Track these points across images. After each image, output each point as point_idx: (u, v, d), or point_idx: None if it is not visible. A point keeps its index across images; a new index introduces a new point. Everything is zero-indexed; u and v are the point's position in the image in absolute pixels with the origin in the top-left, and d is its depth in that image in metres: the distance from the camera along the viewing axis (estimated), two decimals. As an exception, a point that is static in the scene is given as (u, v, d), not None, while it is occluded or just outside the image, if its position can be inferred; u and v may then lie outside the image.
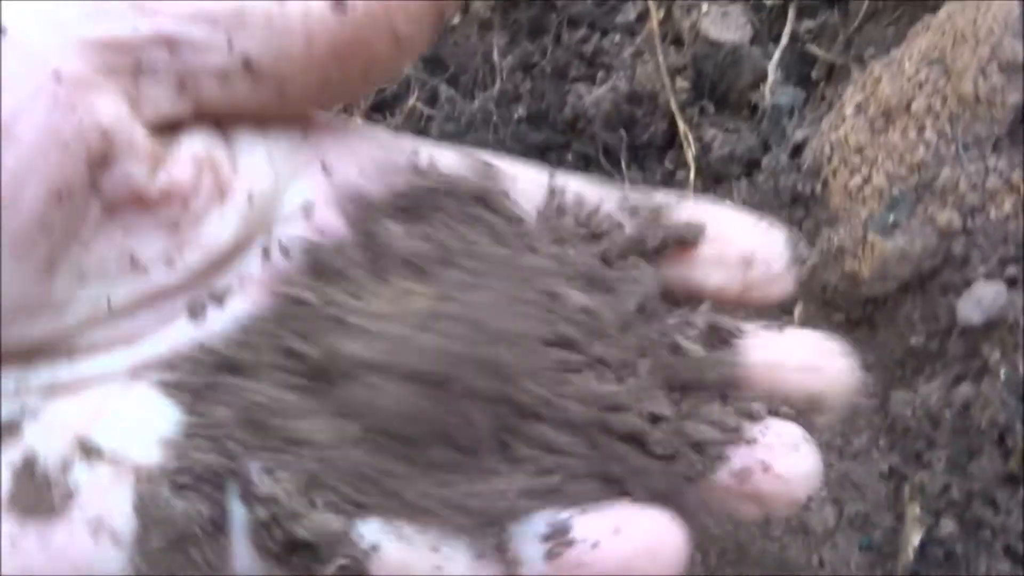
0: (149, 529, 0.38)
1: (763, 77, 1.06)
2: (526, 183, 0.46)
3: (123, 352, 0.41)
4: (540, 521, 0.40)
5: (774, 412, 0.43)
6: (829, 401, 0.42)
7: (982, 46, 0.80)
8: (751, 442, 0.42)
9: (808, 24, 1.07)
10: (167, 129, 0.41)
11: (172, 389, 0.41)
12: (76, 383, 0.40)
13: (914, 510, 0.80)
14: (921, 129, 0.83)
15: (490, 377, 0.40)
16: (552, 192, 0.46)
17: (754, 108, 1.09)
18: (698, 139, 1.12)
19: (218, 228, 0.41)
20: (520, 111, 1.19)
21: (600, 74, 1.18)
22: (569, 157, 1.19)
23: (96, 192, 0.38)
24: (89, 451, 0.39)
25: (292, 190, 0.43)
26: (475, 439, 0.40)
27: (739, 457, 0.41)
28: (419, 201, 0.44)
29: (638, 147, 1.17)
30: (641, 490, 0.41)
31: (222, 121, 0.42)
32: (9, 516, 0.37)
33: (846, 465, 0.86)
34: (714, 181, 1.11)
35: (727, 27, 1.09)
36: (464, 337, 0.40)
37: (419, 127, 1.16)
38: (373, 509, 0.39)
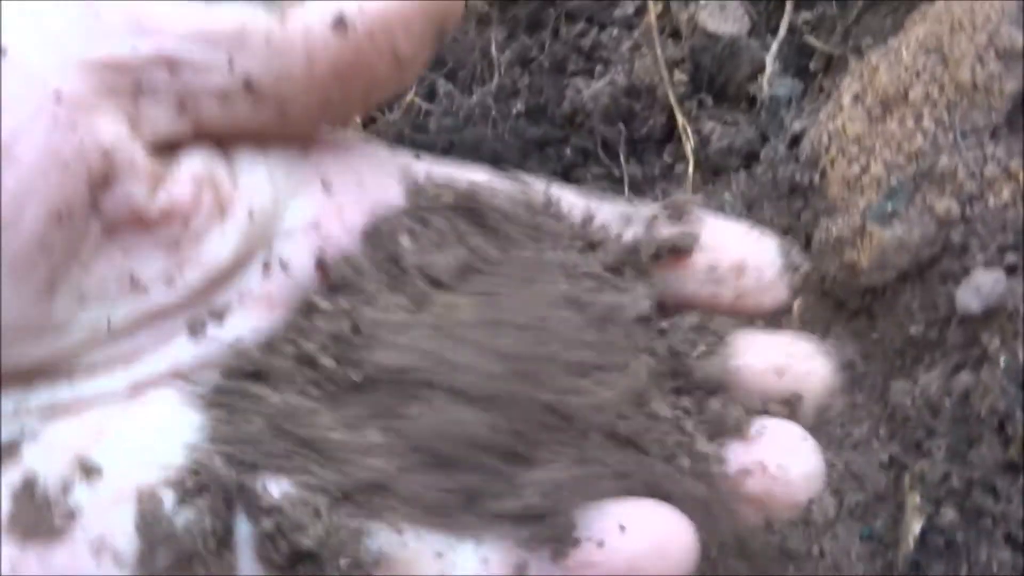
0: (153, 548, 0.38)
1: (761, 69, 1.06)
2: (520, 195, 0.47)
3: (123, 372, 0.41)
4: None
5: (764, 412, 0.43)
6: (805, 402, 0.43)
7: (979, 34, 0.80)
8: (750, 442, 0.42)
9: (806, 15, 1.07)
10: (167, 148, 0.41)
11: (195, 399, 0.41)
12: (76, 404, 0.40)
13: (914, 499, 0.79)
14: (919, 118, 0.82)
15: (529, 386, 0.40)
16: (547, 201, 0.46)
17: (752, 100, 1.09)
18: (696, 132, 1.11)
19: (218, 246, 0.41)
20: (518, 105, 1.19)
21: (598, 68, 1.18)
22: (568, 151, 1.19)
23: (96, 212, 0.38)
24: (89, 471, 0.39)
25: (292, 206, 0.43)
26: (507, 446, 0.40)
27: (738, 457, 0.42)
28: (424, 215, 0.44)
29: (637, 141, 1.17)
30: (647, 489, 0.41)
31: (222, 139, 0.42)
32: (9, 539, 0.37)
33: (846, 455, 0.86)
34: (713, 174, 1.11)
35: (725, 19, 1.08)
36: (502, 350, 0.41)
37: (417, 122, 1.16)
38: (388, 514, 0.39)
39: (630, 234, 0.45)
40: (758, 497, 0.41)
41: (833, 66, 1.02)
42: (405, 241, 0.43)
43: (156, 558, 0.37)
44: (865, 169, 0.85)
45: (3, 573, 0.37)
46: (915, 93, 0.83)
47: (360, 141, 0.47)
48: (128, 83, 0.39)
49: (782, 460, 0.41)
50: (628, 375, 0.42)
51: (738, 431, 0.42)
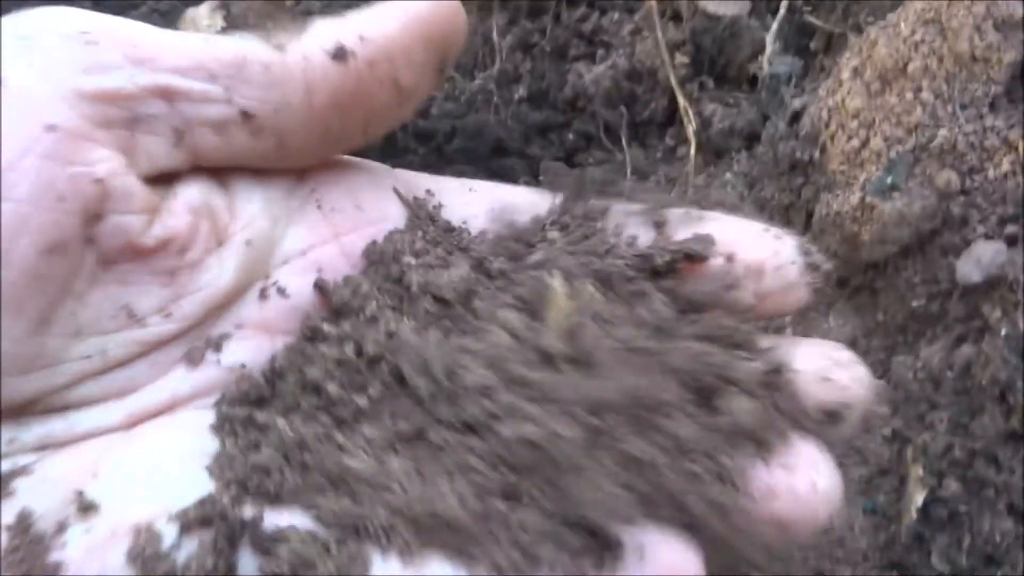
0: None
1: (762, 50, 1.06)
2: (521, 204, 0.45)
3: (119, 404, 0.40)
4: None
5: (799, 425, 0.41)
6: (846, 414, 0.41)
7: (977, 4, 0.80)
8: (776, 462, 0.40)
9: (806, -5, 1.07)
10: (164, 179, 0.40)
11: (196, 429, 0.40)
12: (71, 437, 0.39)
13: (916, 471, 0.79)
14: (918, 90, 0.82)
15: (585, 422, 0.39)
16: (552, 209, 0.45)
17: (754, 81, 1.09)
18: (698, 114, 1.12)
19: (215, 275, 0.41)
20: (520, 91, 1.19)
21: (600, 52, 1.19)
22: (570, 136, 1.19)
23: (91, 244, 0.38)
24: (86, 508, 0.37)
25: (290, 233, 0.42)
26: (544, 470, 0.39)
27: (763, 478, 0.40)
28: (426, 232, 0.44)
29: (639, 124, 1.18)
30: (671, 509, 0.39)
31: (219, 169, 0.41)
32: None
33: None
34: (715, 155, 1.11)
35: (725, 1, 1.09)
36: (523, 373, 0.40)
37: (419, 108, 1.17)
38: (403, 546, 0.38)
39: (641, 239, 0.44)
40: (782, 519, 0.40)
41: (833, 44, 1.02)
42: (408, 260, 0.43)
43: None
44: (865, 143, 0.85)
45: None
46: (914, 66, 0.82)
47: (357, 160, 0.46)
48: (125, 115, 0.38)
49: (808, 482, 0.39)
50: (657, 387, 0.40)
51: (769, 449, 0.40)
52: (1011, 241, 0.78)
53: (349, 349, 0.41)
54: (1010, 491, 0.76)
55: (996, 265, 0.78)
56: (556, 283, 0.41)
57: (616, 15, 1.18)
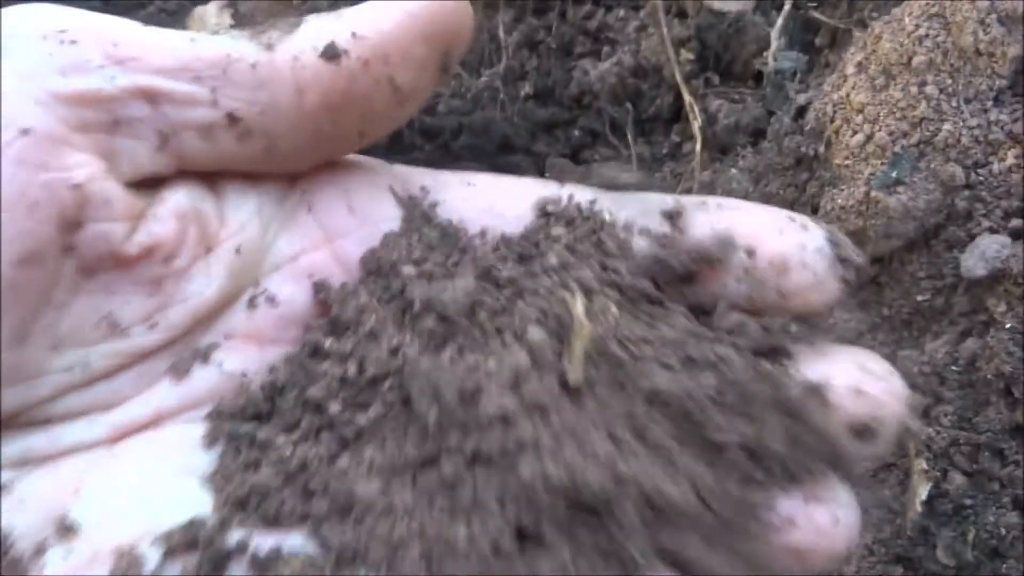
0: None
1: (767, 45, 1.06)
2: (519, 198, 0.43)
3: (102, 418, 0.39)
4: None
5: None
6: (880, 430, 0.38)
7: (981, -2, 0.80)
8: (797, 493, 0.38)
9: (811, -9, 1.07)
10: (149, 183, 0.39)
11: (184, 445, 0.39)
12: (53, 452, 0.38)
13: (920, 464, 0.79)
14: (922, 84, 0.82)
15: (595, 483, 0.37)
16: (558, 206, 0.43)
17: (759, 77, 1.09)
18: (704, 110, 1.12)
19: (203, 284, 0.39)
20: (526, 88, 1.20)
21: (605, 49, 1.19)
22: (576, 132, 1.20)
23: (70, 253, 0.36)
24: (66, 529, 0.36)
25: (281, 239, 0.41)
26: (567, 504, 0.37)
27: (783, 508, 0.38)
28: (424, 236, 0.42)
29: (644, 121, 1.18)
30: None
31: (209, 173, 0.40)
32: None
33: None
34: (720, 152, 1.11)
35: (730, -3, 1.09)
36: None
37: (426, 104, 1.17)
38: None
39: (654, 230, 0.41)
40: (800, 550, 0.38)
41: (838, 40, 1.02)
42: (408, 270, 0.41)
43: None
44: (869, 137, 0.85)
45: None
46: (918, 60, 0.82)
47: (350, 157, 0.43)
48: (104, 117, 0.37)
49: (830, 515, 0.38)
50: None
51: (795, 479, 0.38)
52: (1016, 235, 0.78)
53: (352, 367, 0.40)
54: (1015, 485, 0.76)
55: (1001, 259, 0.78)
56: (578, 307, 0.39)
57: (621, 12, 1.18)
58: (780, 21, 1.02)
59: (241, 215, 0.40)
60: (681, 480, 0.37)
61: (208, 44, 0.38)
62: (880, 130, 0.84)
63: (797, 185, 0.94)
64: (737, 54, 1.11)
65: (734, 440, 0.38)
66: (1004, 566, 0.75)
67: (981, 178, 0.80)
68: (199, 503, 0.38)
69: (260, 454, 0.39)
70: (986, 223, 0.80)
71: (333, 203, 0.42)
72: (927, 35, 0.83)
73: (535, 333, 0.39)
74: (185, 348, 0.40)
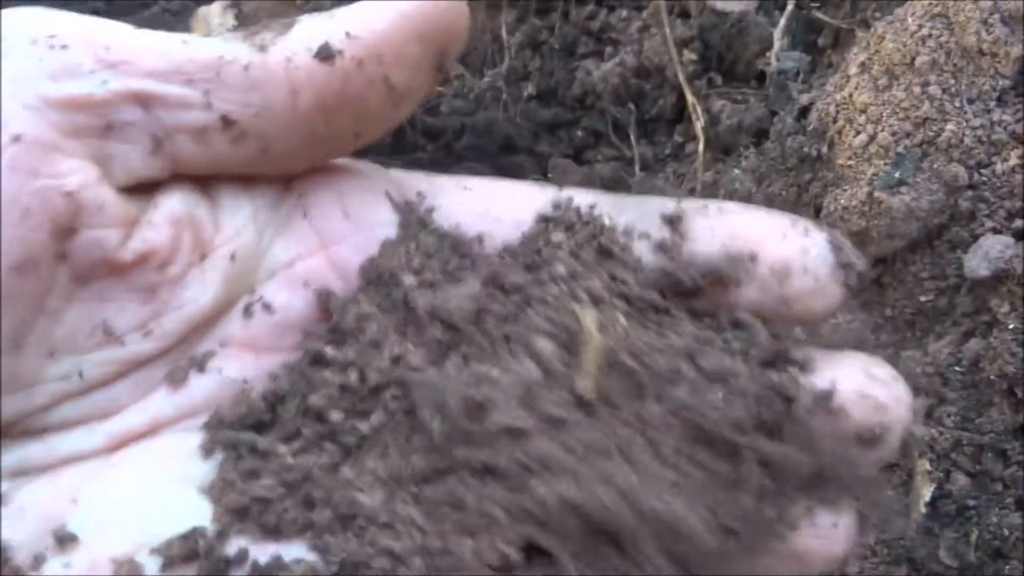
0: None
1: (769, 46, 1.06)
2: (522, 204, 0.43)
3: (99, 427, 0.38)
4: None
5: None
6: (885, 436, 0.38)
7: (984, -2, 0.80)
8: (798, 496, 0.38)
9: (814, -9, 1.07)
10: (143, 189, 0.38)
11: (183, 454, 0.39)
12: (50, 462, 0.38)
13: (923, 465, 0.79)
14: (925, 84, 0.82)
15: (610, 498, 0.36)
16: (557, 214, 0.42)
17: (762, 77, 1.09)
18: (706, 111, 1.12)
19: (198, 291, 0.39)
20: (529, 88, 1.20)
21: (608, 49, 1.19)
22: (579, 133, 1.20)
23: (63, 260, 0.36)
24: (64, 540, 0.36)
25: (276, 245, 0.41)
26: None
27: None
28: (422, 243, 0.41)
29: (647, 121, 1.18)
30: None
31: (203, 177, 0.39)
32: None
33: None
34: (723, 152, 1.11)
35: (733, -3, 1.09)
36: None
37: (429, 104, 1.17)
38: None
39: (654, 236, 0.40)
40: (800, 552, 0.38)
41: (841, 40, 1.02)
42: (409, 280, 0.40)
43: None
44: (872, 138, 0.85)
45: None
46: (921, 60, 0.82)
47: (346, 162, 0.43)
48: (97, 122, 0.36)
49: (830, 519, 0.38)
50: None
51: (799, 486, 0.38)
52: (1019, 235, 0.78)
53: (353, 375, 0.39)
54: (1018, 485, 0.76)
55: (1004, 259, 0.78)
56: (588, 318, 0.38)
57: (624, 12, 1.18)
58: (783, 21, 1.02)
59: (236, 221, 0.40)
60: (700, 506, 0.37)
61: (200, 46, 0.37)
62: (883, 130, 0.84)
63: (800, 185, 0.93)
64: (740, 54, 1.11)
65: (750, 456, 0.38)
66: (1007, 567, 0.75)
67: (984, 178, 0.80)
68: (197, 513, 0.38)
69: (261, 463, 0.39)
70: (989, 223, 0.80)
71: (328, 208, 0.41)
72: (930, 35, 0.83)
73: (544, 344, 0.38)
74: (181, 356, 0.40)
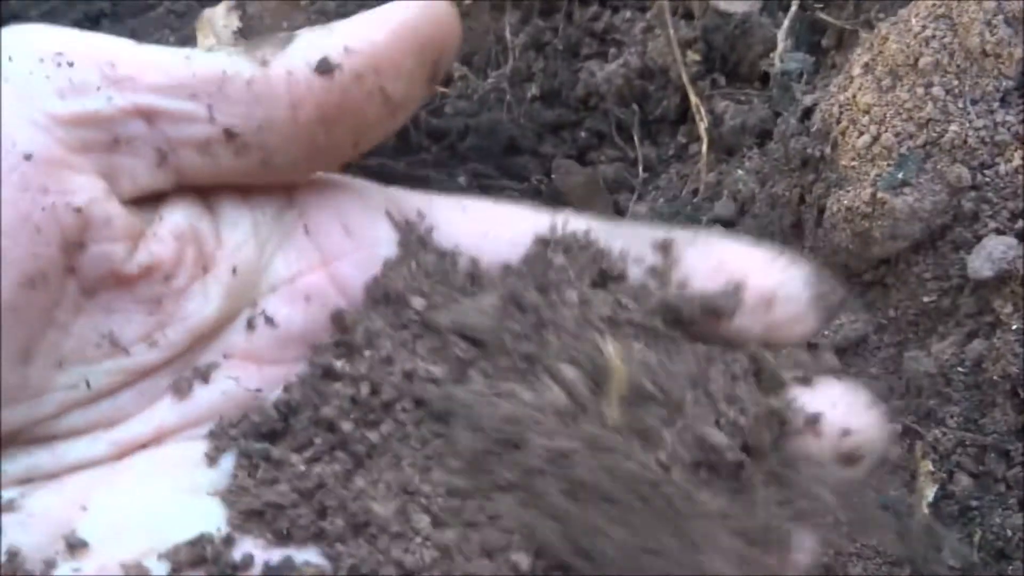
0: None
1: (773, 47, 1.07)
2: (514, 228, 0.44)
3: (106, 435, 0.39)
4: None
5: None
6: (860, 460, 0.41)
7: (987, 0, 0.80)
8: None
9: (817, -8, 1.08)
10: (148, 201, 0.39)
11: (190, 461, 0.40)
12: (58, 469, 0.39)
13: (926, 466, 0.79)
14: (929, 85, 0.82)
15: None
16: (555, 236, 0.43)
17: (765, 78, 1.09)
18: (710, 111, 1.12)
19: (201, 303, 0.40)
20: (533, 89, 1.20)
21: (612, 51, 1.19)
22: (582, 134, 1.20)
23: (72, 274, 0.37)
24: (74, 545, 0.37)
25: (278, 260, 0.41)
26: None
27: None
28: (424, 263, 0.42)
29: (651, 122, 1.18)
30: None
31: (206, 190, 0.41)
32: None
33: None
34: (727, 153, 1.11)
35: (737, -2, 1.09)
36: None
37: (433, 106, 1.18)
38: None
39: (648, 261, 0.42)
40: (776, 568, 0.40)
41: (845, 41, 1.02)
42: (417, 301, 0.41)
43: None
44: (876, 139, 0.85)
45: None
46: (924, 61, 0.83)
47: (346, 179, 0.44)
48: (104, 137, 0.37)
49: (803, 539, 0.40)
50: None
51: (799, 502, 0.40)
52: (1022, 236, 0.78)
53: (365, 389, 0.40)
54: (1021, 486, 0.76)
55: (1007, 260, 0.78)
56: (611, 349, 0.40)
57: (628, 13, 1.19)
58: (787, 22, 1.03)
59: (237, 235, 0.41)
60: (729, 552, 0.38)
61: (203, 61, 0.38)
62: (886, 131, 0.84)
63: (803, 186, 0.94)
64: (743, 55, 1.11)
65: (758, 478, 0.39)
66: (1010, 567, 0.75)
67: (987, 179, 0.80)
68: (204, 519, 0.38)
69: (275, 471, 0.39)
70: (992, 224, 0.80)
71: (329, 225, 0.42)
72: (934, 36, 0.83)
73: (569, 371, 0.40)
74: (185, 366, 0.41)
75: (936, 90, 0.82)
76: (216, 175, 0.40)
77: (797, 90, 0.98)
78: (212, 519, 0.38)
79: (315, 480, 0.39)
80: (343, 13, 0.41)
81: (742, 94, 1.11)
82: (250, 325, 0.41)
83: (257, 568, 0.37)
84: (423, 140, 1.16)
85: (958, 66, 0.82)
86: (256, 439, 0.40)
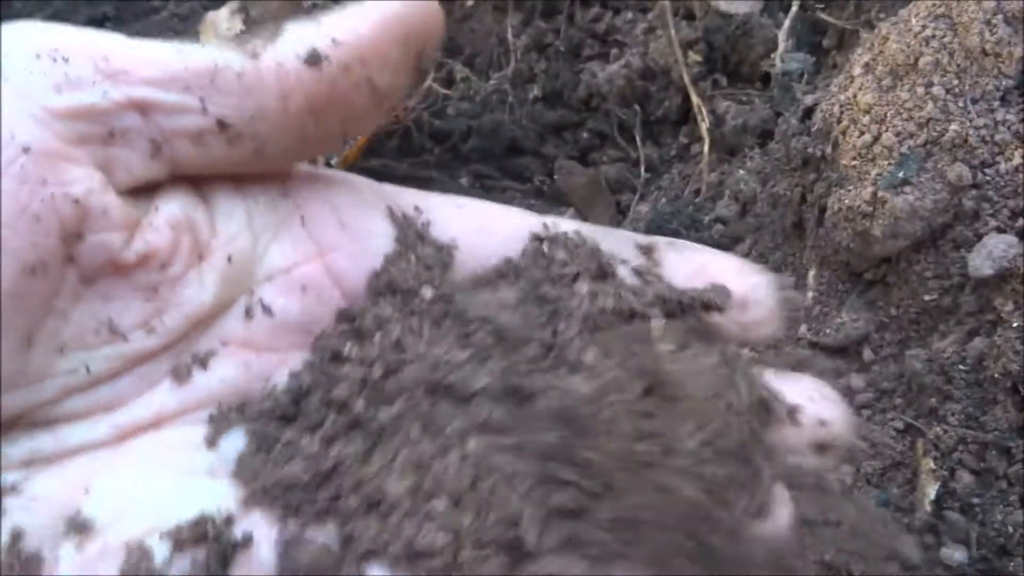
0: None
1: (774, 47, 1.07)
2: (509, 229, 0.46)
3: (106, 419, 0.40)
4: None
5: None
6: (828, 451, 0.44)
7: (987, -1, 0.81)
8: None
9: (818, -8, 1.08)
10: (143, 192, 0.40)
11: (192, 442, 0.40)
12: (59, 452, 0.39)
13: (928, 463, 0.80)
14: (929, 85, 0.83)
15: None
16: (550, 233, 0.45)
17: (766, 78, 1.10)
18: (711, 112, 1.12)
19: (197, 290, 0.41)
20: (535, 90, 1.20)
21: (613, 51, 1.20)
22: (584, 135, 1.20)
23: (71, 263, 0.38)
24: (77, 527, 0.38)
25: (272, 250, 0.43)
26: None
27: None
28: (422, 259, 0.43)
29: (652, 122, 1.18)
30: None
31: (200, 181, 0.42)
32: None
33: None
34: (728, 153, 1.12)
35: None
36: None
37: (435, 107, 1.18)
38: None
39: (632, 263, 0.45)
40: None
41: (845, 41, 1.02)
42: (427, 292, 0.43)
43: None
44: (876, 138, 0.85)
45: None
46: (925, 60, 0.83)
47: (341, 174, 0.46)
48: (100, 130, 0.38)
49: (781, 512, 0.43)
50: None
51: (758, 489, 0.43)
52: (1022, 234, 0.79)
53: (377, 371, 0.41)
54: (1022, 483, 0.76)
55: (1008, 258, 0.78)
56: (656, 327, 0.43)
57: (629, 15, 1.19)
58: (787, 23, 1.03)
59: (231, 225, 0.42)
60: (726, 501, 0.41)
61: (195, 55, 0.40)
62: (887, 130, 0.85)
63: (804, 186, 0.94)
64: (744, 56, 1.12)
65: (760, 460, 0.43)
66: (1011, 564, 0.75)
67: (988, 178, 0.80)
68: (204, 500, 0.39)
69: (288, 450, 0.40)
70: (993, 223, 0.80)
71: (324, 217, 0.43)
72: (934, 36, 0.83)
73: (593, 356, 0.42)
74: (183, 352, 0.41)
75: (936, 89, 0.82)
76: (210, 165, 0.41)
77: (798, 90, 0.99)
78: (213, 499, 0.39)
79: (329, 458, 0.40)
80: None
81: (743, 94, 1.11)
82: (248, 313, 0.42)
83: (263, 545, 0.38)
84: (425, 141, 1.16)
85: (958, 65, 0.82)
86: (268, 421, 0.41)
